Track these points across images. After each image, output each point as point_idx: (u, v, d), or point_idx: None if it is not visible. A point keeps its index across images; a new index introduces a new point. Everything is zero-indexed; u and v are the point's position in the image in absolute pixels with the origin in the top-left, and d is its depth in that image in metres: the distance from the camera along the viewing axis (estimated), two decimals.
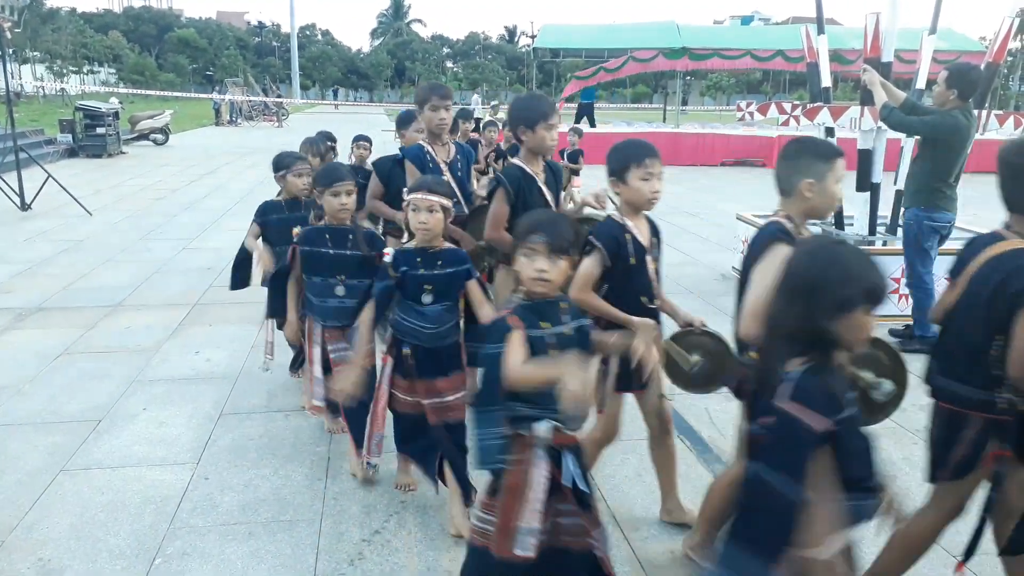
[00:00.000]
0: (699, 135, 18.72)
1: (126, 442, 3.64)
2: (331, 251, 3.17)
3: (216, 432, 3.76)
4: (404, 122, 4.43)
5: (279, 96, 40.79)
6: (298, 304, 3.37)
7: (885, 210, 6.24)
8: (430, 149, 3.72)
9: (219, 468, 3.40)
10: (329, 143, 5.20)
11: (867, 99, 5.49)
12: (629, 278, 2.60)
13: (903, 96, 5.13)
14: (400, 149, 4.02)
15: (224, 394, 4.22)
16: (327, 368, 3.25)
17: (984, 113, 5.96)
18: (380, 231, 4.74)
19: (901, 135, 5.64)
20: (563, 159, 8.02)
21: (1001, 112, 6.69)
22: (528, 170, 3.21)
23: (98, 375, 4.46)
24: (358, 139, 6.09)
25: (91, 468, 3.38)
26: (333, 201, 3.14)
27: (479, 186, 2.61)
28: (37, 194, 10.07)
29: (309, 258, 3.21)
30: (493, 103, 29.63)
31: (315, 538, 2.88)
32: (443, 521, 2.97)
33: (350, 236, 3.21)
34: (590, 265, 2.56)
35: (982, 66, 5.56)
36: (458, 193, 3.65)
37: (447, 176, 3.64)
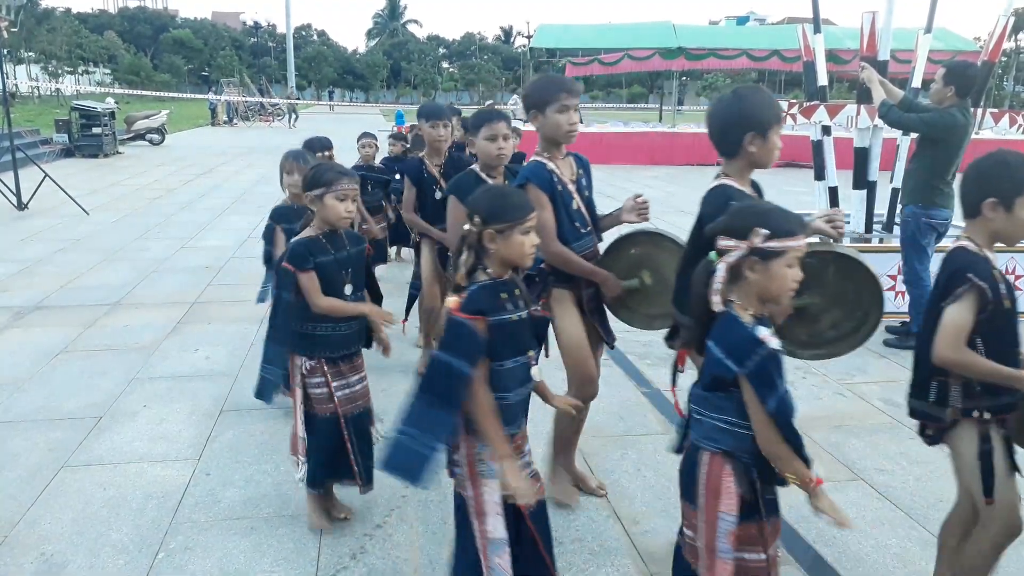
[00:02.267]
0: (695, 135, 18.74)
1: (127, 439, 3.64)
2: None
3: (217, 429, 3.76)
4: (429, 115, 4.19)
5: (298, 99, 40.62)
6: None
7: (881, 208, 6.27)
8: (554, 167, 2.77)
9: (220, 464, 3.41)
10: (326, 152, 4.15)
11: (865, 97, 5.52)
12: (1000, 328, 2.01)
13: (901, 94, 5.16)
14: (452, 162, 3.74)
15: (224, 391, 4.22)
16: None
17: (980, 111, 5.99)
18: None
19: (897, 133, 5.67)
20: None
21: (996, 110, 6.73)
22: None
23: (98, 373, 4.46)
24: (364, 136, 5.66)
25: (92, 464, 3.39)
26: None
27: None
28: (34, 194, 10.07)
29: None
30: (488, 102, 29.69)
31: (317, 532, 2.88)
32: (445, 515, 2.98)
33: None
34: (964, 313, 1.96)
35: (978, 64, 5.59)
36: (588, 220, 2.86)
37: (576, 200, 2.80)
